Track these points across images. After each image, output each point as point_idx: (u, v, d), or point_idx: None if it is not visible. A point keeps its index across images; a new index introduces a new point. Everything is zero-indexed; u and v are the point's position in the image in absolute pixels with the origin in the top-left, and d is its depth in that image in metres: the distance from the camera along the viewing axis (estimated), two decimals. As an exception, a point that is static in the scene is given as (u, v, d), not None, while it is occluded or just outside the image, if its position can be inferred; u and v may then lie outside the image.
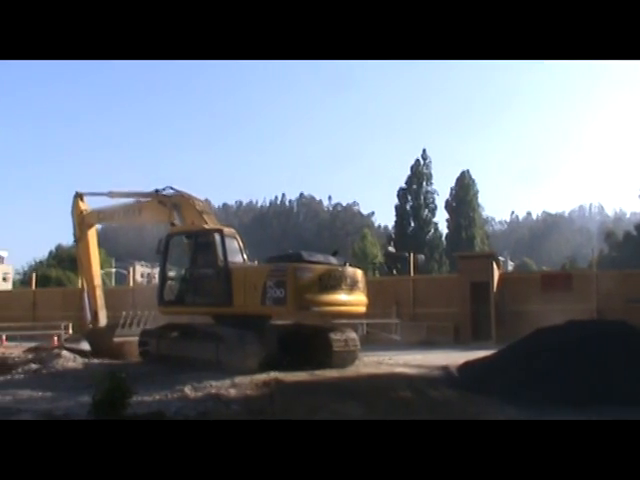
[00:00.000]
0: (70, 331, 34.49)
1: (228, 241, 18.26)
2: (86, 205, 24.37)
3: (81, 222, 24.20)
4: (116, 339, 22.35)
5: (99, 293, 24.84)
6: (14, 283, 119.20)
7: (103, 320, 24.53)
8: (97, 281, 25.11)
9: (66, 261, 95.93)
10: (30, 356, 21.29)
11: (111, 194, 23.71)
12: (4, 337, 33.30)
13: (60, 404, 13.14)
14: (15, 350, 24.69)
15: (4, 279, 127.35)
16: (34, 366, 19.09)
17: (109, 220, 26.45)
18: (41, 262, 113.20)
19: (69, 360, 19.76)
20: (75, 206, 24.25)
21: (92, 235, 25.25)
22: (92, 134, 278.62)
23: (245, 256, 18.87)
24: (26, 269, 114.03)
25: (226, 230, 18.74)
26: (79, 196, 24.28)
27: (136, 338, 20.08)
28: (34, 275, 53.33)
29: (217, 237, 18.04)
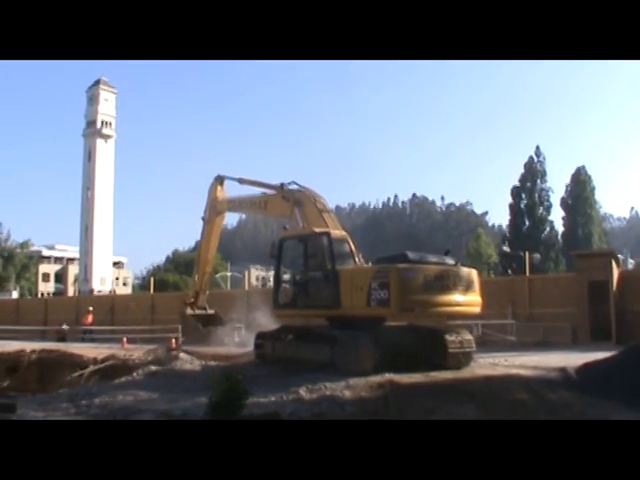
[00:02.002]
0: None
1: (338, 244, 18.27)
2: (223, 192, 25.73)
3: (213, 207, 25.47)
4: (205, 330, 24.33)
5: (206, 278, 26.90)
6: (133, 287, 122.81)
7: (202, 302, 25.99)
8: (208, 268, 27.21)
9: (182, 266, 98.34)
10: (149, 358, 21.87)
11: (241, 180, 24.78)
12: (125, 339, 34.23)
13: (178, 404, 13.43)
14: (135, 352, 25.39)
15: (124, 284, 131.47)
16: (153, 368, 19.58)
17: (237, 209, 27.46)
18: (159, 267, 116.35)
19: (187, 362, 20.21)
20: (213, 189, 25.74)
21: (218, 223, 26.65)
22: (208, 136, 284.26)
23: (357, 259, 18.82)
24: (144, 274, 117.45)
25: (335, 233, 18.75)
26: (219, 180, 25.68)
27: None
28: (152, 279, 54.60)
29: (325, 240, 18.06)
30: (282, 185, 21.21)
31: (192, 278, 28.90)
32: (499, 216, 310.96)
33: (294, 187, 20.93)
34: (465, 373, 16.44)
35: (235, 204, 25.55)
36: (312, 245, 18.54)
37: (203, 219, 26.11)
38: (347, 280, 17.11)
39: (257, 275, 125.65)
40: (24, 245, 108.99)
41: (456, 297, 16.49)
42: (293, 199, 20.47)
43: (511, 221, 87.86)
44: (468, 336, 17.77)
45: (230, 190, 26.40)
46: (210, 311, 27.20)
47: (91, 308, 44.38)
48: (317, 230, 18.76)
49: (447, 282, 16.39)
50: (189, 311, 26.64)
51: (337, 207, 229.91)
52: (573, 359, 18.08)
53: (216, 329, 26.78)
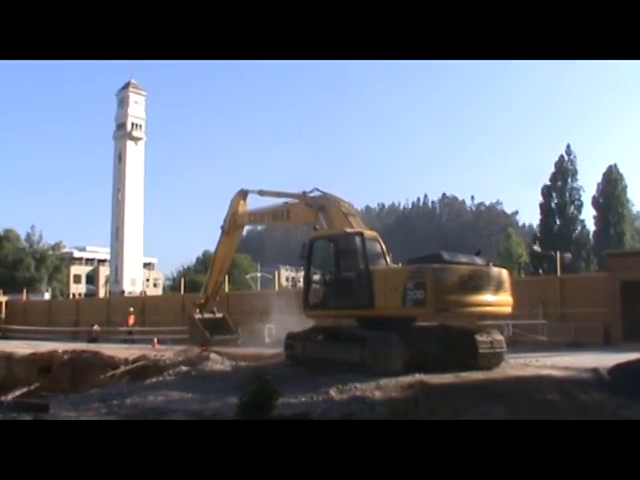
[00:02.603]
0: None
1: (369, 244, 18.16)
2: (245, 206, 25.50)
3: (233, 221, 25.41)
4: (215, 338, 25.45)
5: (217, 287, 27.17)
6: (164, 288, 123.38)
7: (210, 307, 26.30)
8: (221, 277, 27.63)
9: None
10: (180, 358, 21.98)
11: (261, 192, 24.57)
12: (156, 340, 34.43)
13: (209, 405, 13.49)
14: (166, 353, 25.55)
15: (155, 285, 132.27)
16: (184, 368, 19.68)
17: (258, 222, 27.68)
18: (189, 268, 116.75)
19: (217, 362, 20.29)
20: (235, 203, 25.49)
21: (237, 236, 26.79)
22: (236, 142, 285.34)
23: (388, 258, 18.78)
24: (175, 275, 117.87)
25: (367, 233, 18.63)
26: (243, 194, 25.48)
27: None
28: (183, 280, 54.85)
29: (358, 240, 17.98)
30: (304, 193, 21.15)
31: (204, 283, 28.96)
32: (530, 215, 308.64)
33: (316, 194, 20.83)
34: (496, 374, 16.37)
35: (256, 216, 25.45)
36: (344, 245, 18.49)
37: (222, 228, 25.95)
38: (381, 280, 17.07)
39: (287, 276, 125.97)
40: (56, 247, 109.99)
41: (489, 297, 16.47)
42: (317, 205, 20.32)
43: (542, 220, 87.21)
44: (499, 336, 17.71)
45: (250, 202, 26.31)
46: (218, 315, 27.27)
47: (132, 309, 44.55)
48: (350, 230, 18.75)
49: (480, 282, 16.37)
50: (197, 315, 26.74)
51: (367, 207, 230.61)
52: (605, 360, 17.92)
53: (225, 336, 26.94)
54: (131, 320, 43.38)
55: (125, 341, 39.76)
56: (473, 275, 16.39)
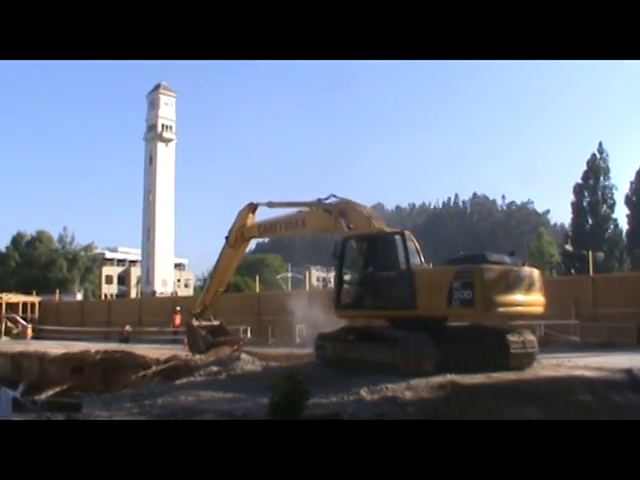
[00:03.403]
0: (249, 335, 35.46)
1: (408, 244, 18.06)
2: (253, 219, 24.94)
3: (240, 234, 24.88)
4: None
5: (217, 297, 26.73)
6: (195, 289, 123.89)
7: (208, 315, 26.55)
8: (221, 288, 26.93)
9: (243, 267, 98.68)
10: (211, 359, 22.05)
11: (270, 204, 24.10)
12: (186, 340, 34.55)
13: (240, 405, 13.50)
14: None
15: (185, 285, 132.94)
16: (215, 368, 19.74)
17: (270, 233, 26.79)
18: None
19: (248, 363, 20.31)
20: (243, 216, 24.85)
21: (243, 249, 26.44)
22: (260, 144, 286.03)
23: (422, 258, 18.68)
24: (205, 275, 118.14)
25: (407, 232, 18.49)
26: (252, 207, 24.87)
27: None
28: (212, 281, 54.82)
29: (399, 239, 17.86)
30: (319, 200, 20.99)
31: (202, 292, 28.82)
32: (561, 215, 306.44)
33: (333, 200, 20.64)
34: (528, 374, 16.25)
35: (267, 228, 24.71)
36: (383, 244, 18.35)
37: (227, 239, 25.32)
38: (424, 280, 16.92)
39: (318, 276, 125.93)
40: (88, 248, 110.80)
41: (525, 297, 16.37)
42: (337, 210, 20.07)
43: (574, 219, 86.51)
44: (530, 336, 17.59)
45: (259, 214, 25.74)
46: (215, 322, 26.94)
47: (179, 308, 43.90)
48: (389, 229, 18.66)
49: (519, 282, 16.33)
50: (195, 322, 26.47)
51: (397, 207, 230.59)
52: (639, 360, 17.77)
53: (226, 337, 26.91)
54: (177, 320, 42.92)
55: (174, 341, 39.34)
56: (516, 275, 16.38)
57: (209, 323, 26.56)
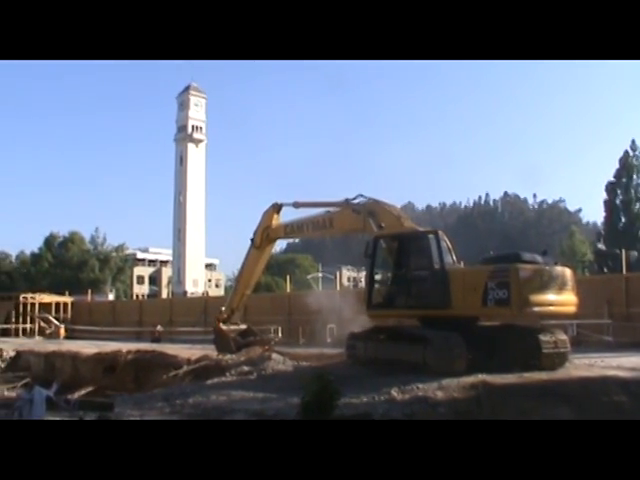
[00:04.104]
0: (280, 335, 35.47)
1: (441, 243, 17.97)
2: (278, 220, 24.80)
3: (265, 235, 24.77)
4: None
5: (244, 299, 26.36)
6: (226, 289, 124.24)
7: (235, 319, 25.93)
8: (248, 290, 26.42)
9: (274, 267, 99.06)
10: (242, 358, 22.09)
11: (296, 204, 23.93)
12: (215, 345, 34.61)
13: (271, 405, 13.53)
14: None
15: (216, 285, 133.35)
16: (246, 368, 19.78)
17: (296, 234, 26.81)
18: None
19: (279, 362, 20.33)
20: (268, 216, 24.74)
21: (268, 250, 26.23)
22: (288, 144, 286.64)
23: (454, 257, 18.60)
24: (236, 275, 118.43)
25: (440, 232, 18.41)
26: (277, 207, 24.74)
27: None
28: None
29: (432, 239, 17.82)
30: (347, 200, 20.90)
31: (229, 296, 28.50)
32: (594, 213, 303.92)
33: (361, 200, 20.56)
34: (560, 374, 16.13)
35: (293, 228, 24.47)
36: (416, 244, 18.33)
37: (252, 240, 25.18)
38: (458, 280, 16.92)
39: (348, 276, 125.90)
40: (119, 248, 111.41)
41: (558, 297, 16.34)
42: (366, 210, 19.98)
43: (606, 218, 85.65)
44: (562, 336, 17.47)
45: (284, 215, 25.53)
46: (242, 326, 26.76)
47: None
48: (422, 228, 18.60)
49: (553, 282, 16.28)
50: (223, 326, 26.21)
51: (428, 207, 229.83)
52: (673, 360, 17.59)
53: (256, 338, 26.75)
54: None
55: (205, 341, 39.17)
56: (548, 275, 16.33)
57: (237, 327, 26.51)
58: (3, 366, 34.03)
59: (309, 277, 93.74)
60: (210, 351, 26.03)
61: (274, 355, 21.46)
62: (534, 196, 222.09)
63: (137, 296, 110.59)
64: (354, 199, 20.65)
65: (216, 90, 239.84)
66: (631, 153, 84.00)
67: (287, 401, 13.42)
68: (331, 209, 22.18)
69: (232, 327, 26.13)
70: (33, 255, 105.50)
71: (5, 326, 52.93)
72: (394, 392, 13.84)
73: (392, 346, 17.60)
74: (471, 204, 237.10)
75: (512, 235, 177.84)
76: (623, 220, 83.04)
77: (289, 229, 24.68)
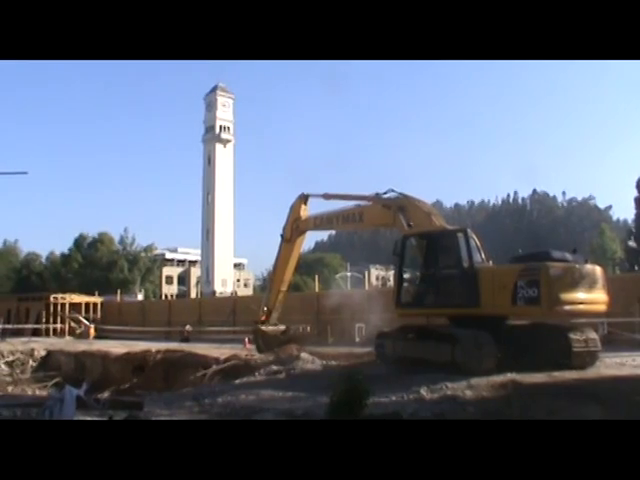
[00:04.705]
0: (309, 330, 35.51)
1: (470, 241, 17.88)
2: (306, 211, 24.85)
3: (295, 227, 24.82)
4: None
5: (280, 297, 26.07)
6: (254, 289, 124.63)
7: (273, 320, 25.63)
8: (283, 287, 26.25)
9: (302, 267, 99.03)
10: (271, 358, 22.12)
11: (326, 196, 23.91)
12: (247, 340, 34.68)
13: (300, 404, 13.54)
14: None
15: (245, 285, 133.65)
16: (275, 367, 19.82)
17: (326, 226, 26.46)
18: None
19: (308, 362, 20.35)
20: (296, 208, 24.85)
21: (299, 243, 25.95)
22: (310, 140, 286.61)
23: (483, 256, 18.50)
24: (265, 275, 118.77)
25: (469, 230, 18.31)
26: (304, 198, 24.82)
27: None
28: (272, 280, 55.03)
29: (461, 237, 17.75)
30: (377, 194, 20.83)
31: (265, 295, 28.12)
32: (624, 210, 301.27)
33: (391, 194, 20.52)
34: (590, 373, 16.02)
35: (322, 221, 24.38)
36: (445, 242, 18.29)
37: (282, 236, 25.26)
38: (488, 278, 16.85)
39: (377, 275, 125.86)
40: (148, 249, 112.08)
41: (589, 295, 16.21)
42: (396, 205, 19.94)
43: (637, 215, 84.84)
44: (593, 335, 17.31)
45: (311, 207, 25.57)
46: (281, 327, 26.53)
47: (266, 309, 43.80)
48: (451, 227, 18.55)
49: (583, 280, 16.14)
50: (262, 328, 25.97)
51: (456, 205, 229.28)
52: None
53: (295, 335, 26.65)
54: None
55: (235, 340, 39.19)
56: (579, 273, 16.22)
57: (275, 328, 26.34)
58: (35, 365, 34.42)
59: (337, 276, 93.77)
60: (239, 350, 26.10)
61: (303, 354, 21.48)
62: (563, 194, 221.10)
63: (166, 296, 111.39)
64: (385, 193, 20.63)
65: (244, 90, 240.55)
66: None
67: (316, 400, 13.40)
68: (361, 203, 22.13)
69: (270, 328, 26.02)
70: (63, 256, 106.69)
71: (36, 326, 53.32)
72: (423, 391, 13.81)
73: (421, 345, 17.55)
74: (500, 202, 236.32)
75: (541, 233, 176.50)
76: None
77: (318, 221, 24.65)
